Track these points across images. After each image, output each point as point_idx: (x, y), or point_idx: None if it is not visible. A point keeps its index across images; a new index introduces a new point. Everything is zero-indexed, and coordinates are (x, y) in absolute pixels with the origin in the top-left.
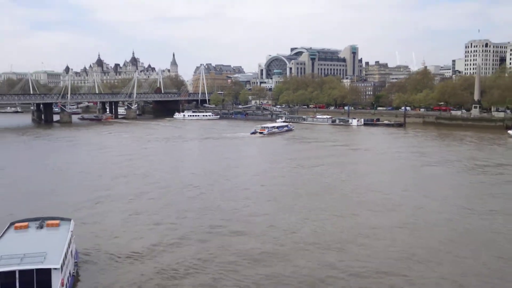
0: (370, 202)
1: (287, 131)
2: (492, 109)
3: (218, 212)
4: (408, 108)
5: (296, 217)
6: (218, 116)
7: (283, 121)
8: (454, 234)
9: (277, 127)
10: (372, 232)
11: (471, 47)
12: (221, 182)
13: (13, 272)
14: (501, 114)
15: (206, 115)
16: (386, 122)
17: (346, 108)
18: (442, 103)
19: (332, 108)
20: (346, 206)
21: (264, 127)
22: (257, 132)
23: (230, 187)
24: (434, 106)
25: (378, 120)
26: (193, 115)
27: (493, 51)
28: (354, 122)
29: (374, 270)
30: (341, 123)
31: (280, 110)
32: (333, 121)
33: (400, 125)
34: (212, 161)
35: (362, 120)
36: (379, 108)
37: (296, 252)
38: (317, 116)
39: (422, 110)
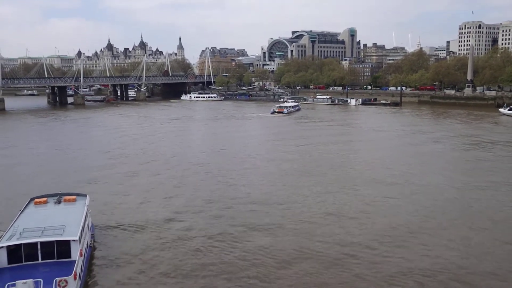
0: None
1: (297, 110)
2: (479, 89)
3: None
4: (403, 88)
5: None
6: (223, 97)
7: (294, 101)
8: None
9: (292, 107)
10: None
11: (465, 28)
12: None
13: (35, 243)
14: (493, 93)
15: (212, 96)
16: (383, 101)
17: (344, 88)
18: (436, 83)
19: (331, 88)
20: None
21: (282, 107)
22: (275, 111)
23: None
24: (420, 86)
25: (375, 99)
26: (199, 97)
27: (486, 32)
28: (353, 102)
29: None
30: (340, 103)
31: (282, 91)
32: (333, 101)
33: (396, 104)
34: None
35: (360, 100)
36: (374, 88)
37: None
38: (318, 97)
39: (408, 89)
